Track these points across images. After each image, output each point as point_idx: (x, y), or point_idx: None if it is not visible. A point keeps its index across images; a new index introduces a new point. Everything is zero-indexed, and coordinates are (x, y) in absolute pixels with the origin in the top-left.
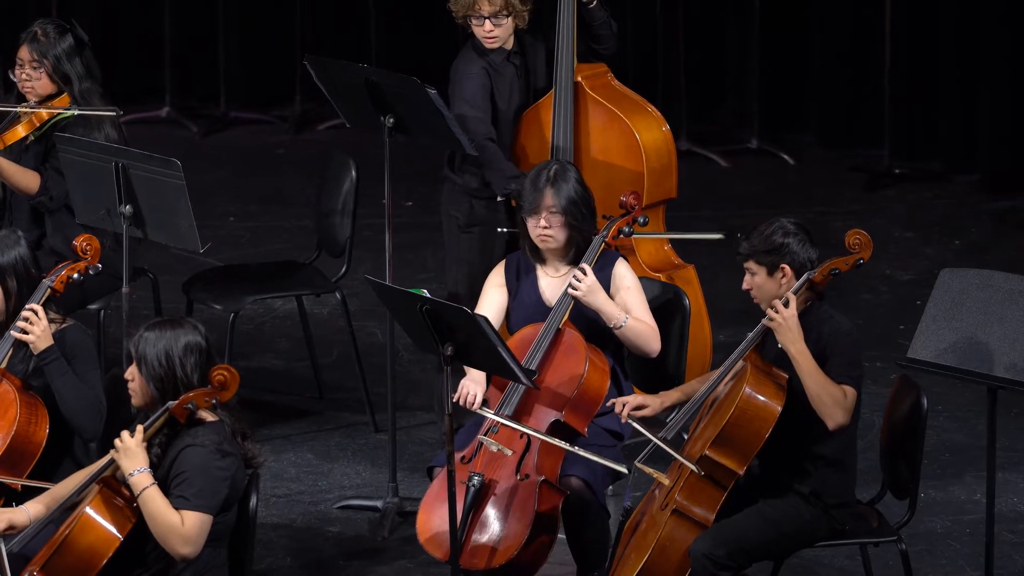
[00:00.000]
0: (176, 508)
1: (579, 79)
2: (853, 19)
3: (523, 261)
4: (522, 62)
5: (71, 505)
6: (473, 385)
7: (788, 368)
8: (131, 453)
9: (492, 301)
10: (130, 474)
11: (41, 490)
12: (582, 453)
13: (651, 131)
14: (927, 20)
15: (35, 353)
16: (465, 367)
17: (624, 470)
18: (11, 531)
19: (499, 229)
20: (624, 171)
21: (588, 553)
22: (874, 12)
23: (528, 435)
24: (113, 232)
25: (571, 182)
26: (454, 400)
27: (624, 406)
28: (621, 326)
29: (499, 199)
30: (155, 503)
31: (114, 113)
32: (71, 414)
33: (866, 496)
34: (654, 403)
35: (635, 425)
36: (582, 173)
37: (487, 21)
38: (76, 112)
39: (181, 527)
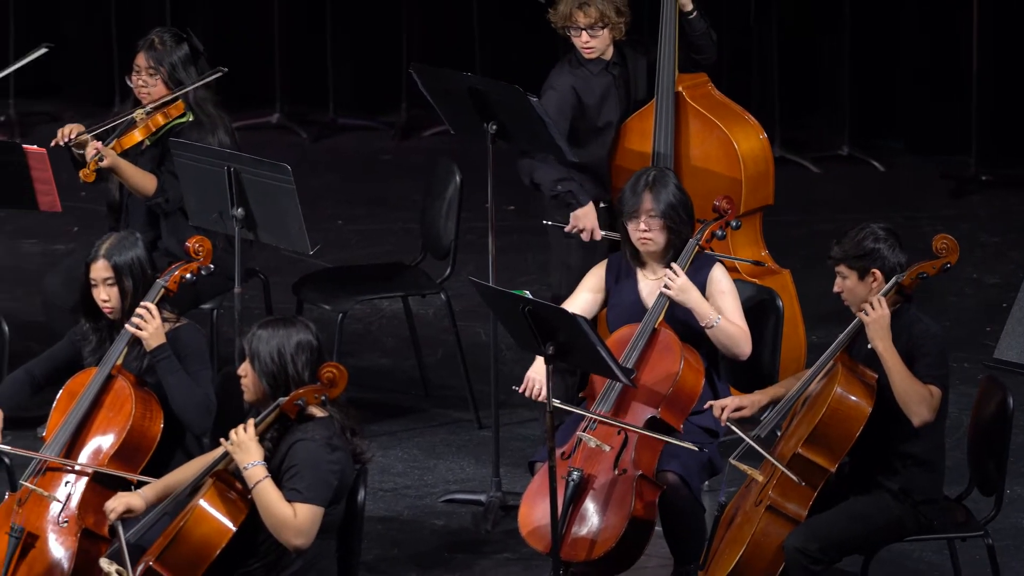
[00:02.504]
0: (289, 501)
1: (680, 89)
2: (942, 27)
3: (623, 264)
4: (621, 72)
5: (185, 498)
6: (538, 377)
7: (877, 368)
8: (245, 447)
9: (582, 301)
10: (245, 467)
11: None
12: (675, 442)
13: (749, 140)
14: (1014, 27)
15: (148, 350)
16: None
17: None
18: (129, 515)
19: (545, 222)
20: (722, 178)
21: (684, 546)
22: (963, 20)
23: (625, 431)
24: (225, 234)
25: (670, 186)
26: (519, 391)
27: (723, 409)
28: (713, 325)
29: (602, 204)
30: (269, 496)
31: (220, 73)
32: (180, 410)
33: (954, 492)
34: (751, 403)
35: (731, 426)
36: (681, 180)
37: (584, 32)
38: (189, 89)
39: (294, 519)
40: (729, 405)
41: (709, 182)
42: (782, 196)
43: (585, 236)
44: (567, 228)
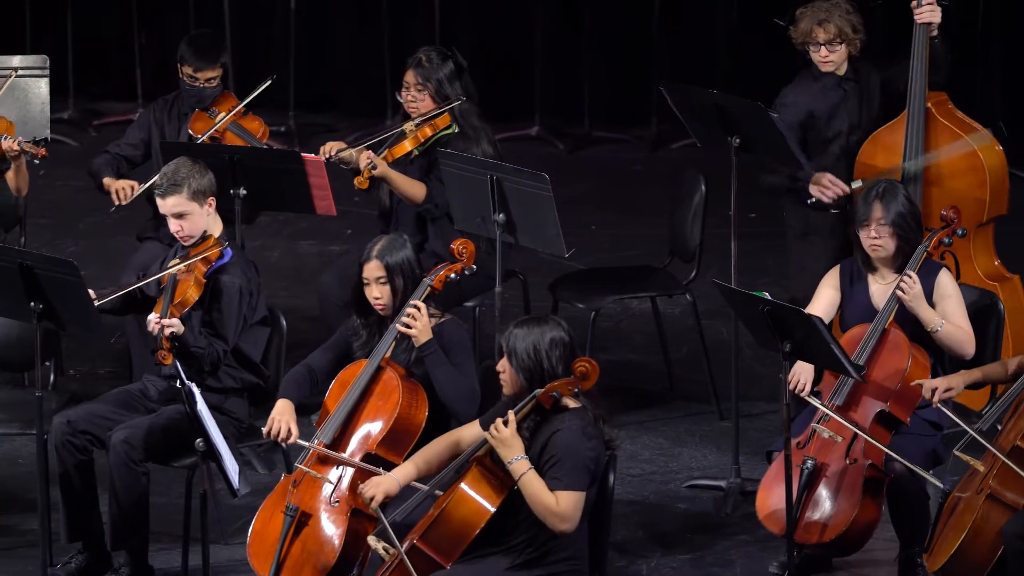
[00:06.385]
0: (551, 490)
1: (929, 105)
2: None
3: (856, 268)
4: (854, 88)
5: (448, 481)
6: (805, 373)
7: None
8: (508, 443)
9: (824, 298)
10: (509, 462)
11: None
12: (899, 460)
13: (991, 154)
14: None
15: (416, 345)
16: None
17: (940, 484)
18: (387, 500)
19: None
20: (968, 190)
21: (909, 531)
22: None
23: (856, 424)
24: (488, 237)
25: (899, 197)
26: (787, 383)
27: (933, 392)
28: (937, 330)
29: (810, 201)
30: (533, 486)
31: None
32: (448, 400)
33: None
34: (958, 384)
35: (951, 415)
36: (929, 191)
37: (823, 48)
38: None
39: (556, 506)
40: (940, 387)
41: (955, 193)
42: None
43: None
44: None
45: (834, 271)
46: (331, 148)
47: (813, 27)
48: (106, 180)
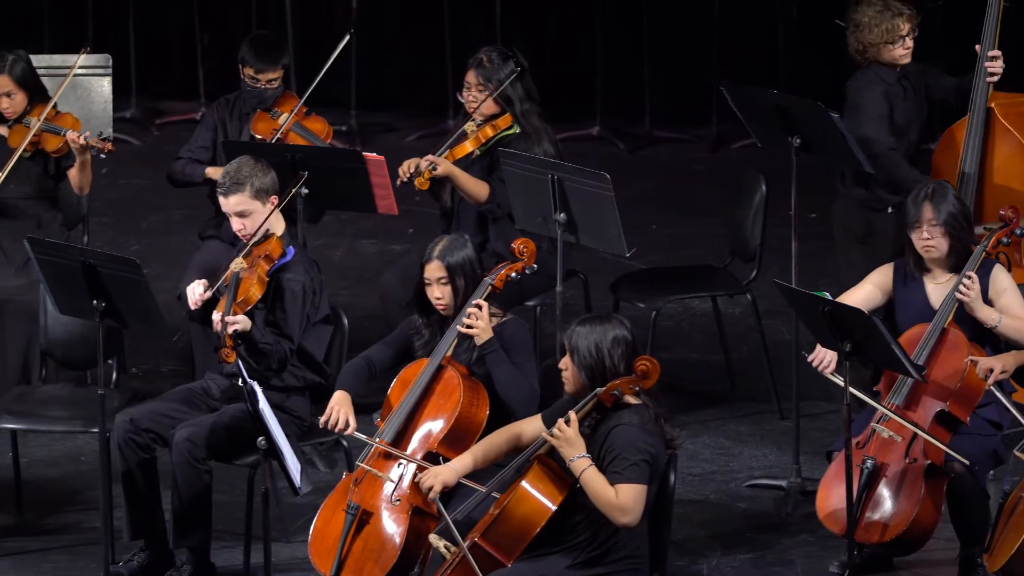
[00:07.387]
0: (612, 484)
1: (992, 105)
2: None
3: (909, 269)
4: (909, 85)
5: (508, 480)
6: (829, 352)
7: None
8: (571, 442)
9: (865, 292)
10: (571, 460)
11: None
12: (958, 459)
13: None
14: None
15: (477, 344)
16: None
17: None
18: (446, 490)
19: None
20: None
21: (969, 531)
22: None
23: (915, 424)
24: (549, 237)
25: (949, 197)
26: (808, 359)
27: (989, 374)
28: (996, 326)
29: (890, 209)
30: (594, 482)
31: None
32: (508, 399)
33: None
34: (1011, 364)
35: (1011, 408)
36: (986, 193)
37: (907, 38)
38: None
39: (616, 499)
40: (996, 368)
41: (1013, 195)
42: None
43: None
44: None
45: (886, 269)
46: (407, 167)
47: (898, 21)
48: (209, 170)
